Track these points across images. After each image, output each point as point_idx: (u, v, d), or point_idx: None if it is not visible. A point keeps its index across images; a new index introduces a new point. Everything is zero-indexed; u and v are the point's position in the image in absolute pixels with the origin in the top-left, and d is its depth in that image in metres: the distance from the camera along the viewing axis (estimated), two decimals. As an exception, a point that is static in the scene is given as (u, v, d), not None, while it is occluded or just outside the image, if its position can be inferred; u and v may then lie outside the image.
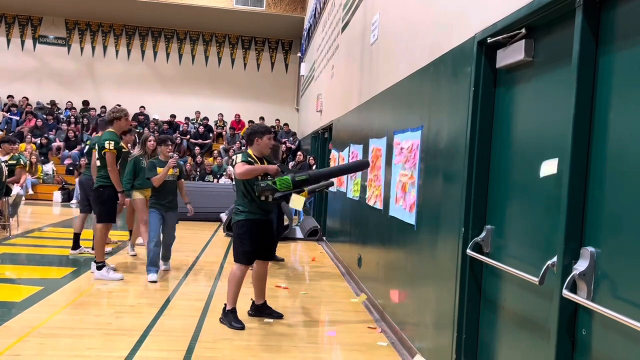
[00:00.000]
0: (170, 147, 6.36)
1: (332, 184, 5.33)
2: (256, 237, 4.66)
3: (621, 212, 2.05)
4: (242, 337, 4.37)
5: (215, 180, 14.72)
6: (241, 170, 4.50)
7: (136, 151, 7.02)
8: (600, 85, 2.21)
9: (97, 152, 6.09)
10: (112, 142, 5.96)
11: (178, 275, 6.47)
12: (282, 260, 7.87)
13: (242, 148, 17.20)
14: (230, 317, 4.62)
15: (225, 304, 4.72)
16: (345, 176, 7.49)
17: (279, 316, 4.93)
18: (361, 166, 5.23)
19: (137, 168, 6.87)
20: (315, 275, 7.07)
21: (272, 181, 4.46)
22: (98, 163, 6.11)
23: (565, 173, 2.28)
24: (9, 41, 19.02)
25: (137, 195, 6.93)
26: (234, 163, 4.66)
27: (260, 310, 4.95)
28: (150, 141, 6.84)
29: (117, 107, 6.68)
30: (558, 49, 2.55)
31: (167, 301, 5.30)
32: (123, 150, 6.44)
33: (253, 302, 4.99)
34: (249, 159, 4.64)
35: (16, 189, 9.13)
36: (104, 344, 4.03)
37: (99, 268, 6.06)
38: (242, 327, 4.56)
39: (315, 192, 5.13)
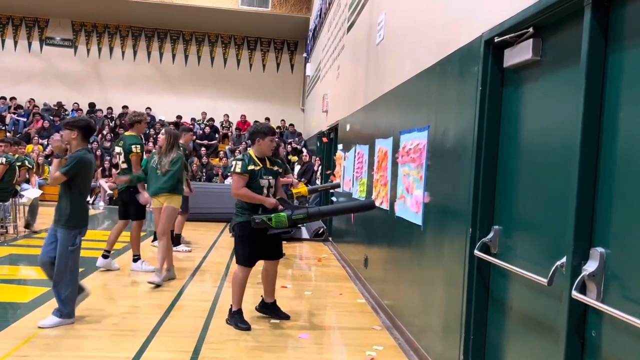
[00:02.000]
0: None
1: (338, 185, 5.24)
2: (258, 239, 4.57)
3: (631, 212, 2.03)
4: (249, 338, 4.36)
5: (224, 180, 14.74)
6: (238, 192, 4.50)
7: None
8: (609, 84, 2.19)
9: (123, 156, 6.47)
10: (139, 146, 6.45)
11: (184, 276, 6.47)
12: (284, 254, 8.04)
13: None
14: (236, 318, 4.59)
15: (231, 305, 4.70)
16: (350, 176, 7.47)
17: (285, 317, 4.88)
18: (365, 207, 5.03)
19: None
20: (321, 276, 7.06)
21: (268, 217, 4.39)
22: (124, 166, 6.50)
23: (574, 173, 2.25)
24: (16, 43, 19.13)
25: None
26: (231, 170, 4.57)
27: (269, 308, 4.93)
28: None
29: (136, 111, 7.07)
30: (566, 48, 2.52)
31: (174, 302, 5.30)
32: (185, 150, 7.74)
33: (262, 299, 4.97)
34: (250, 166, 4.52)
35: (33, 192, 9.20)
36: (110, 345, 4.04)
37: (135, 261, 6.63)
38: (248, 328, 4.53)
39: (318, 192, 5.02)
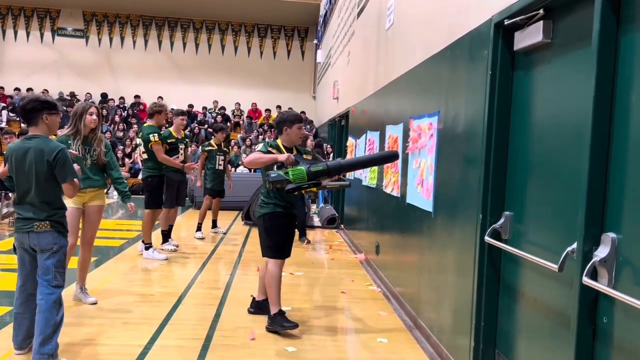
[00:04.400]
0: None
1: (348, 185, 4.91)
2: (284, 229, 4.30)
3: (644, 197, 1.99)
4: (261, 325, 4.36)
5: (233, 169, 14.76)
6: (247, 159, 4.28)
7: (66, 130, 4.70)
8: (621, 66, 2.14)
9: (143, 146, 6.59)
10: (156, 134, 6.53)
11: (197, 264, 6.51)
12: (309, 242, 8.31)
13: (261, 137, 17.22)
14: (279, 320, 4.20)
15: (270, 309, 4.28)
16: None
17: None
18: (389, 158, 4.61)
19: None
20: (333, 263, 7.06)
21: (285, 172, 4.01)
22: (145, 156, 6.64)
23: (585, 157, 2.21)
24: (28, 34, 19.26)
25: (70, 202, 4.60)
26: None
27: (263, 308, 4.51)
28: (91, 114, 4.60)
29: (157, 102, 7.23)
30: (577, 29, 2.47)
31: (186, 290, 5.34)
32: (212, 148, 8.23)
33: (253, 298, 4.67)
34: (270, 148, 4.26)
35: None
36: (124, 332, 4.08)
37: (147, 249, 6.67)
38: (296, 325, 4.16)
39: (327, 189, 4.55)
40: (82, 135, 4.58)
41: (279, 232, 4.28)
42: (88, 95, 18.79)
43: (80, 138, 4.57)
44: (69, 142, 4.53)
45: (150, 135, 6.46)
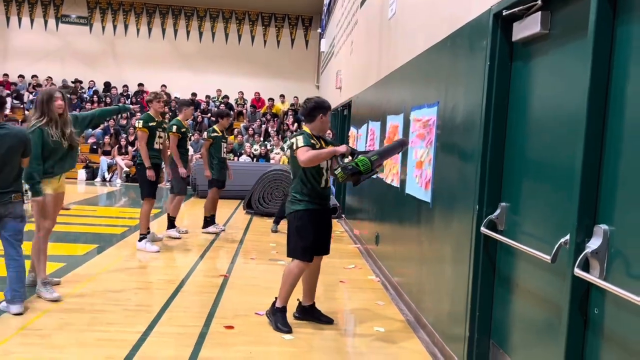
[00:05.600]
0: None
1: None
2: (316, 229, 4.08)
3: (636, 189, 1.99)
4: (260, 308, 4.40)
5: (235, 158, 14.78)
6: (306, 158, 3.87)
7: (34, 120, 4.54)
8: (617, 57, 2.13)
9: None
10: (142, 122, 6.45)
11: (197, 253, 6.55)
12: None
13: (263, 126, 17.22)
14: (277, 317, 4.11)
15: (275, 299, 4.21)
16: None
17: (328, 321, 4.31)
18: (404, 144, 4.41)
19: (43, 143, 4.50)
20: (334, 253, 7.06)
21: (355, 163, 3.81)
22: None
23: (579, 149, 2.21)
24: (32, 21, 19.22)
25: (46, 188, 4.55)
26: (294, 147, 3.98)
27: (309, 313, 4.35)
28: (57, 100, 4.53)
29: (154, 91, 7.26)
30: (575, 20, 2.46)
31: (186, 278, 5.37)
32: (217, 134, 7.65)
33: (300, 303, 4.39)
34: (312, 140, 4.03)
35: None
36: (122, 319, 4.11)
37: (140, 240, 6.51)
38: (289, 332, 4.04)
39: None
40: (54, 120, 4.50)
41: (310, 230, 4.06)
42: (91, 82, 18.81)
43: (53, 124, 4.49)
44: (45, 129, 4.44)
45: (137, 122, 6.59)
